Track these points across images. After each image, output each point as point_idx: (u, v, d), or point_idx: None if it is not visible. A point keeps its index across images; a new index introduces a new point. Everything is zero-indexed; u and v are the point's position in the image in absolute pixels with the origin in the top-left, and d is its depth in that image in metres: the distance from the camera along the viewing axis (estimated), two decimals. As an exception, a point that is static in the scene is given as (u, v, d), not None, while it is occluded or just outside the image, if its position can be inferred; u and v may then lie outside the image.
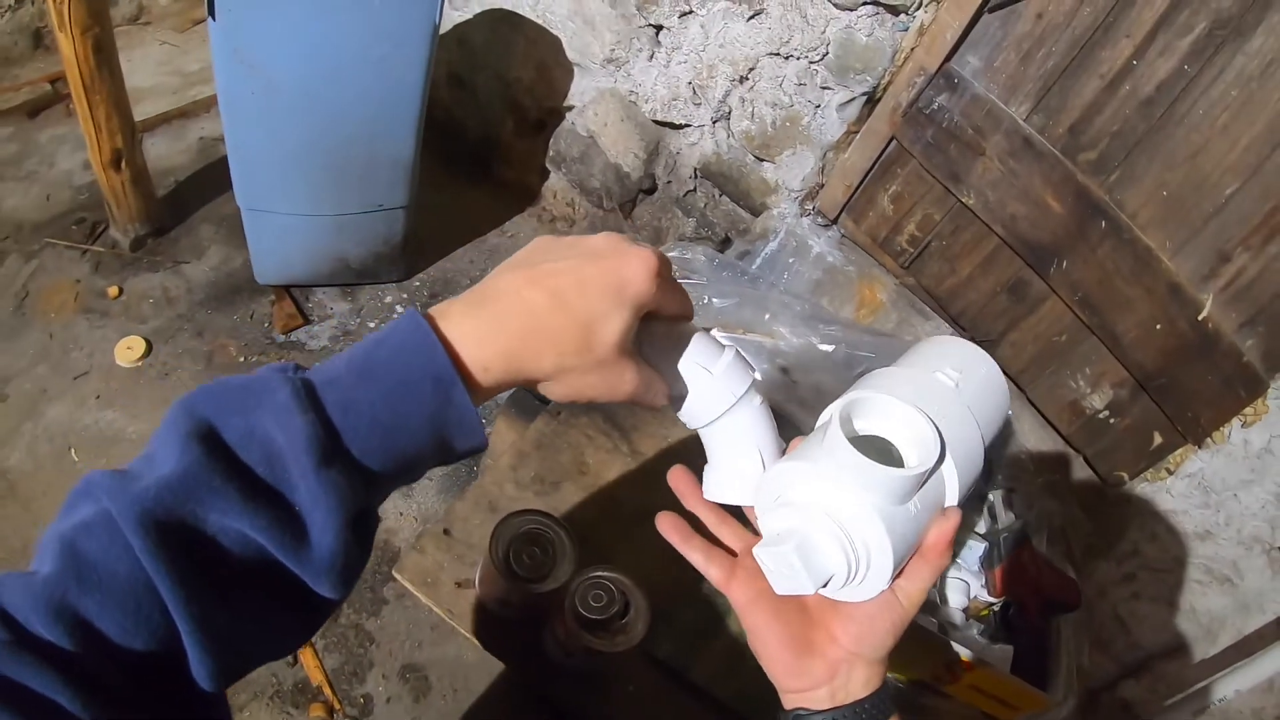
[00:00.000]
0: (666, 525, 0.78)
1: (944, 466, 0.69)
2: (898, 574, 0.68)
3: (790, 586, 0.67)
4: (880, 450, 0.70)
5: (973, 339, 1.93)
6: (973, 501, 1.69)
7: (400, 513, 2.48)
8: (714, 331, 0.89)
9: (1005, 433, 1.87)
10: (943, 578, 1.52)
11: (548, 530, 1.24)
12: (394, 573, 1.38)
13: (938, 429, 0.68)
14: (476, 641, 1.32)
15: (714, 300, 1.84)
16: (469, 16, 3.10)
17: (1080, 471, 1.89)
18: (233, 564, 0.53)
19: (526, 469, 1.53)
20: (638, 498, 1.53)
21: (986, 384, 0.79)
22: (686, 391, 0.73)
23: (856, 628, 0.70)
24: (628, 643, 1.16)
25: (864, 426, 0.73)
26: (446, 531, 1.42)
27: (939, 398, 0.73)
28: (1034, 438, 1.89)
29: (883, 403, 0.71)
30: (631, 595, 1.20)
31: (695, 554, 0.77)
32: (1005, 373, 1.87)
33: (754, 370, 0.78)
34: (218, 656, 0.52)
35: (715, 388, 0.74)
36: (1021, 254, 1.81)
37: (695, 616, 1.40)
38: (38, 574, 0.51)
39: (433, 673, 2.18)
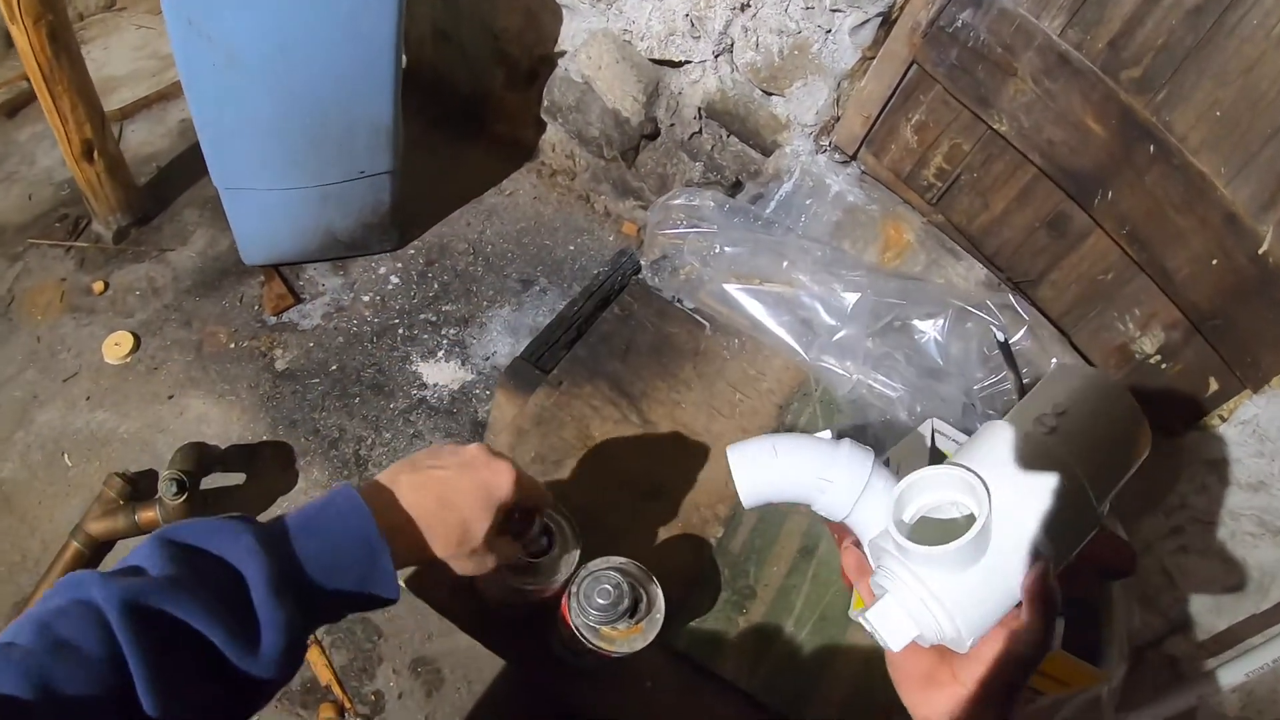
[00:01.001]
0: (850, 560, 0.90)
1: (1027, 524, 0.75)
2: (991, 626, 0.76)
3: (887, 646, 0.78)
4: (964, 516, 0.79)
5: (1009, 279, 1.86)
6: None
7: None
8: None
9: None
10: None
11: (548, 521, 1.17)
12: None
13: (986, 488, 0.75)
14: (481, 644, 1.29)
15: (726, 249, 1.78)
16: (448, -33, 3.02)
17: None
18: (188, 652, 0.67)
19: (526, 447, 1.47)
20: (649, 472, 1.47)
21: (1094, 415, 0.82)
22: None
23: (975, 668, 0.77)
24: (642, 642, 1.11)
25: (943, 497, 0.81)
26: None
27: (1017, 454, 0.79)
28: None
29: (930, 476, 0.79)
30: (643, 587, 1.14)
31: (863, 587, 0.86)
32: (1046, 316, 1.80)
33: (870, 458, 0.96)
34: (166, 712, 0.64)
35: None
36: (1061, 184, 1.70)
37: (716, 604, 1.35)
38: (13, 646, 0.62)
39: (445, 665, 2.17)
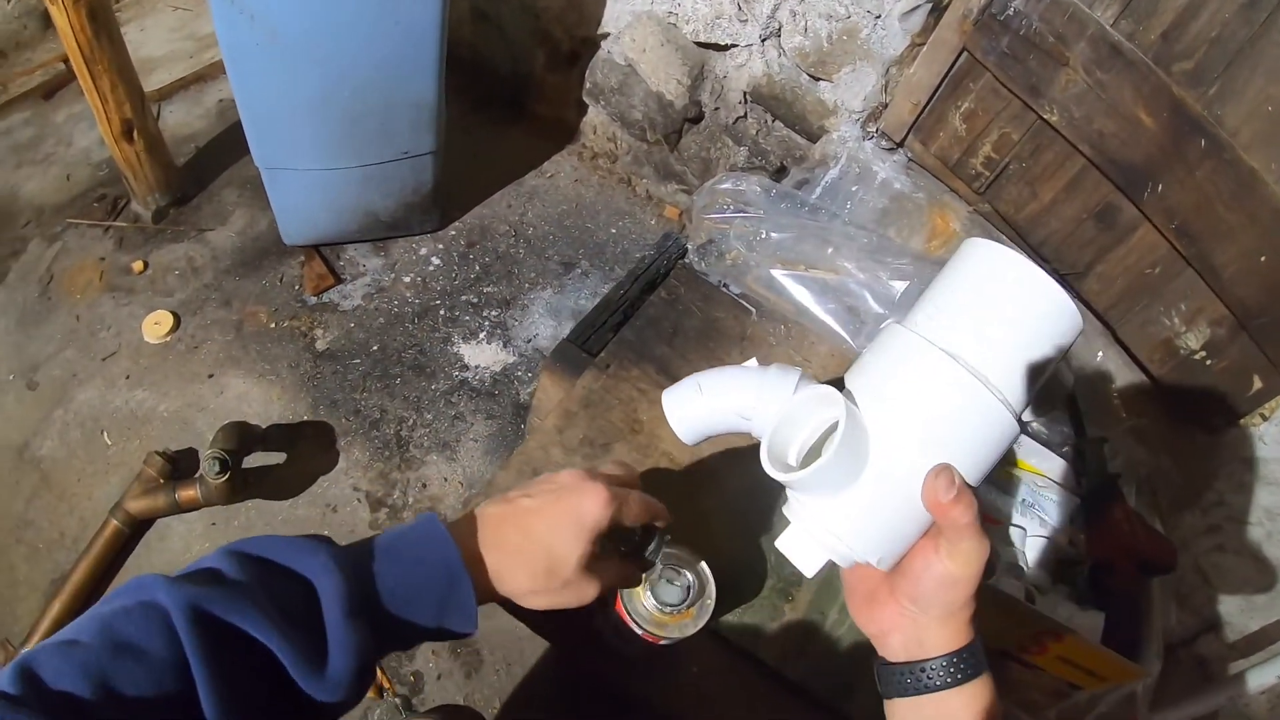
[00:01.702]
0: None
1: (899, 429, 0.72)
2: (905, 542, 0.75)
3: (803, 572, 0.78)
4: None
5: (1055, 271, 1.87)
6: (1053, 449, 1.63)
7: (445, 478, 2.49)
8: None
9: (1093, 376, 1.83)
10: (1024, 537, 1.45)
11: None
12: None
13: (851, 399, 0.75)
14: (528, 626, 1.29)
15: (772, 234, 1.80)
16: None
17: (1170, 416, 1.80)
18: (252, 665, 0.67)
19: (574, 430, 1.49)
20: (696, 457, 1.48)
21: (985, 301, 0.74)
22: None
23: (906, 585, 0.76)
24: (692, 628, 1.12)
25: (824, 419, 0.79)
26: None
27: (890, 354, 0.77)
28: (1121, 379, 1.82)
29: (796, 405, 0.80)
30: (698, 575, 1.16)
31: None
32: (1092, 309, 1.82)
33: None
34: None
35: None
36: (1111, 176, 1.72)
37: (762, 590, 1.37)
38: (76, 643, 0.63)
39: (485, 647, 2.20)
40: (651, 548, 1.07)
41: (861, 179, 2.08)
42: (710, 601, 1.13)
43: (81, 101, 3.28)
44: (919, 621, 0.77)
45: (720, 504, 1.42)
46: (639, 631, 1.11)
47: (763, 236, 1.79)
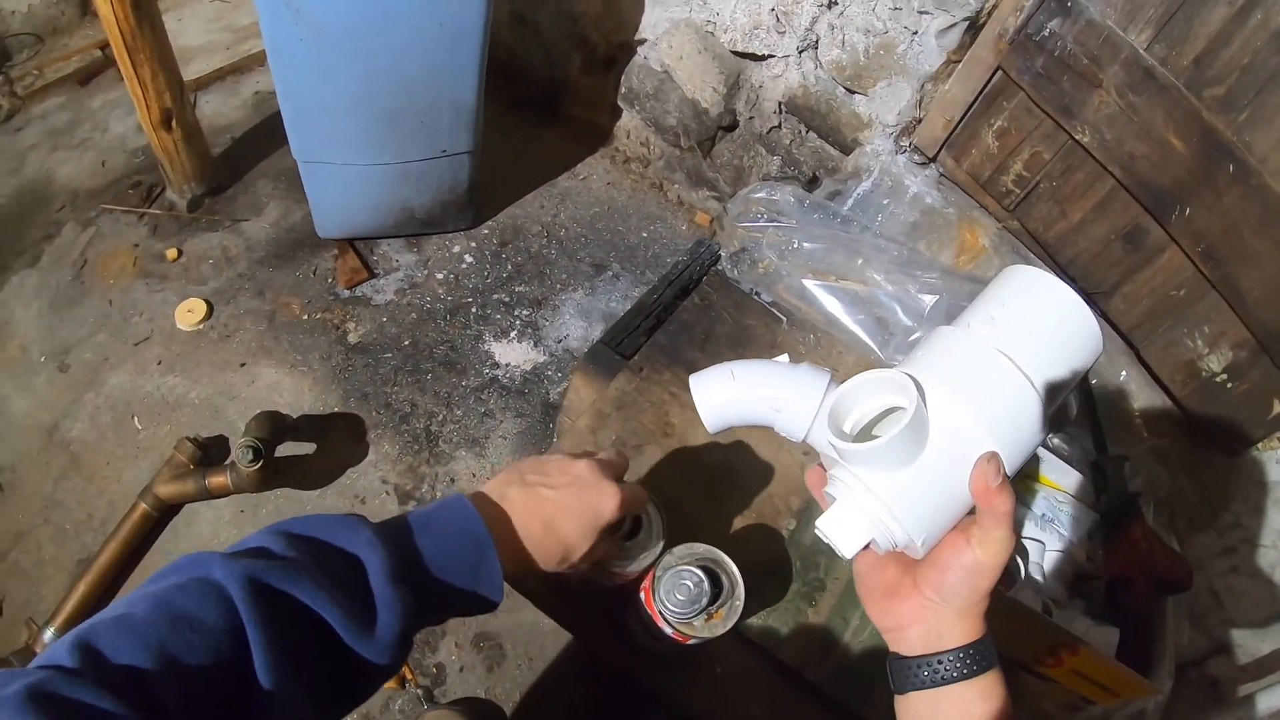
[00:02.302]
0: (812, 478, 0.92)
1: (963, 416, 0.76)
2: (944, 528, 0.79)
3: (840, 552, 0.80)
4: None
5: (1082, 290, 1.89)
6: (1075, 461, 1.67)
7: (473, 474, 2.52)
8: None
9: (1115, 395, 1.86)
10: (1043, 551, 1.51)
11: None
12: None
13: (918, 384, 0.77)
14: (555, 621, 1.34)
15: (804, 244, 1.83)
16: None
17: (1189, 437, 1.83)
18: (305, 632, 0.72)
19: (606, 431, 1.52)
20: (725, 461, 1.51)
21: (1032, 310, 0.81)
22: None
23: (933, 574, 0.79)
24: (721, 629, 1.14)
25: (879, 403, 0.82)
26: None
27: (952, 351, 0.82)
28: (1143, 398, 1.86)
29: (861, 382, 0.81)
30: (727, 575, 1.17)
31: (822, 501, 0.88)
32: (1116, 328, 1.85)
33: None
34: (280, 685, 0.69)
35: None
36: (1139, 198, 1.76)
37: (787, 593, 1.40)
38: (132, 617, 0.67)
39: (507, 641, 2.23)
40: (641, 535, 1.16)
41: (893, 192, 2.11)
42: (739, 603, 1.15)
43: (118, 88, 3.35)
44: (940, 613, 0.79)
45: (747, 508, 1.45)
46: (669, 631, 1.13)
47: (795, 246, 1.82)
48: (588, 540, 0.92)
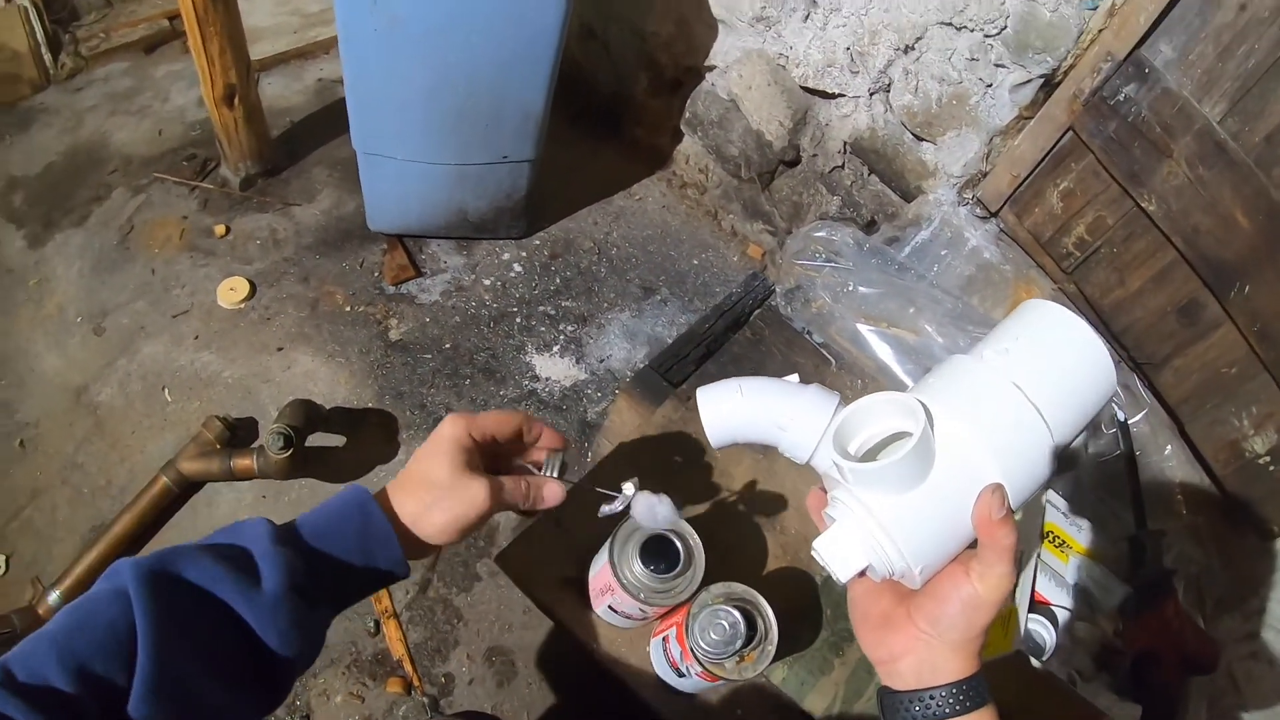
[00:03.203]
0: (813, 500, 0.92)
1: (970, 445, 0.77)
2: (943, 559, 0.79)
3: (836, 576, 0.82)
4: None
5: (1133, 360, 1.92)
6: (1100, 530, 1.70)
7: None
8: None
9: (1156, 469, 1.86)
10: (1069, 618, 1.52)
11: (672, 538, 1.24)
12: (495, 562, 1.40)
13: (927, 410, 0.78)
14: (586, 647, 1.35)
15: (859, 288, 1.86)
16: (605, -35, 3.14)
17: (1225, 517, 1.85)
18: (200, 617, 0.77)
19: (649, 456, 1.54)
20: (764, 499, 1.53)
21: (1049, 345, 0.82)
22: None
23: (930, 607, 0.79)
24: (751, 672, 1.16)
25: (886, 426, 0.83)
26: (558, 522, 1.43)
27: (963, 379, 0.82)
28: (1182, 474, 1.87)
29: (870, 403, 0.82)
30: (762, 618, 1.20)
31: (823, 526, 0.88)
32: (1163, 402, 1.87)
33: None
34: (158, 689, 0.72)
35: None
36: (1200, 272, 1.77)
37: (815, 643, 1.40)
38: (46, 630, 0.73)
39: (520, 658, 2.24)
40: (680, 570, 1.20)
41: (952, 244, 2.15)
42: (771, 648, 1.17)
43: (182, 60, 3.46)
44: (933, 646, 0.79)
45: (783, 550, 1.47)
46: (697, 669, 1.16)
47: (850, 289, 1.86)
48: (441, 459, 0.94)
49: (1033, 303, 0.86)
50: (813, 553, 0.84)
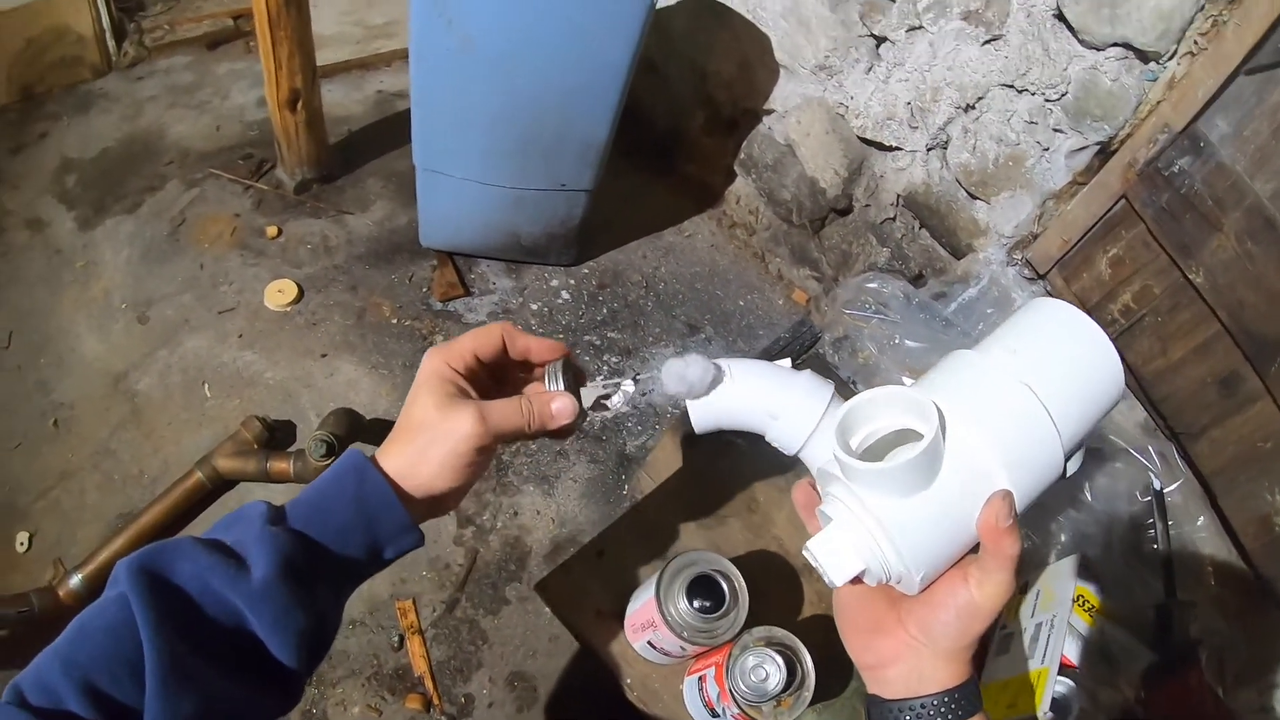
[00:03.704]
0: (800, 495, 0.89)
1: (979, 447, 0.74)
2: (944, 565, 0.77)
3: (829, 579, 0.79)
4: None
5: (1170, 429, 1.95)
6: (1121, 587, 1.73)
7: (538, 510, 2.58)
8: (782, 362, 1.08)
9: (1187, 539, 1.89)
10: (1093, 682, 1.51)
11: (719, 579, 1.26)
12: (535, 590, 1.43)
13: (939, 410, 0.75)
14: (618, 681, 1.37)
15: (906, 341, 1.89)
16: (671, 2, 3.23)
17: (1251, 591, 1.86)
18: (197, 612, 0.73)
19: (692, 495, 1.56)
20: (803, 544, 1.52)
21: (1058, 345, 0.81)
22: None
23: (923, 613, 0.78)
24: (787, 717, 1.18)
25: (892, 422, 0.79)
26: (600, 554, 1.45)
27: (972, 377, 0.80)
28: (1212, 546, 1.89)
29: (876, 396, 0.78)
30: (802, 665, 1.21)
31: (812, 524, 0.88)
32: (1197, 472, 1.90)
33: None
34: (168, 688, 0.68)
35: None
36: (1242, 345, 1.80)
37: (844, 692, 1.42)
38: (53, 644, 0.71)
39: (542, 686, 2.27)
40: (725, 610, 1.21)
41: (998, 303, 2.17)
42: (808, 695, 1.19)
43: (244, 60, 3.58)
44: (923, 654, 0.78)
45: (819, 597, 1.50)
46: (734, 711, 1.18)
47: (896, 342, 1.88)
48: (423, 396, 0.87)
49: (1042, 300, 0.85)
50: (804, 553, 0.81)
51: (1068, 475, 0.79)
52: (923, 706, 0.78)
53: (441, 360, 0.89)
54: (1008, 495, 0.73)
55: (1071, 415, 0.77)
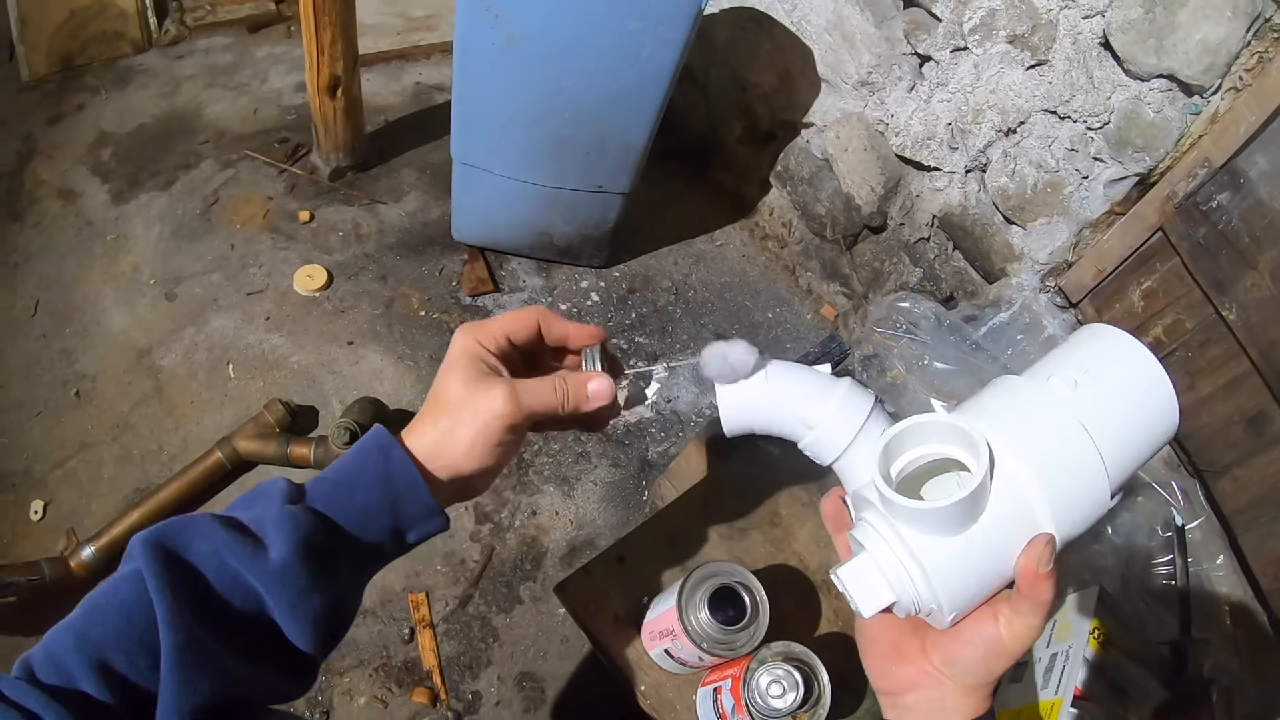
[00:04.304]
0: (829, 507, 0.88)
1: (1029, 488, 0.72)
2: (977, 604, 0.75)
3: (857, 609, 0.76)
4: (960, 477, 0.77)
5: (1193, 465, 1.96)
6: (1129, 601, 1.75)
7: (556, 511, 2.60)
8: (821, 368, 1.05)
9: (1205, 577, 1.90)
10: (1104, 716, 1.52)
11: (741, 591, 1.26)
12: (555, 591, 1.43)
13: (988, 445, 0.71)
14: (630, 688, 1.38)
15: (935, 363, 1.91)
16: (715, 11, 3.26)
17: (1263, 631, 1.87)
18: (212, 592, 0.72)
19: (716, 506, 1.58)
20: (825, 561, 1.56)
21: (1120, 385, 0.76)
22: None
23: (948, 646, 0.77)
24: None
25: (933, 450, 0.77)
26: (621, 559, 1.46)
27: (1027, 410, 0.76)
28: (1229, 585, 1.90)
29: (925, 424, 0.76)
30: (819, 681, 1.22)
31: (840, 542, 0.86)
32: (1219, 510, 1.92)
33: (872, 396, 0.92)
34: (182, 665, 0.68)
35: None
36: (1271, 385, 1.81)
37: (858, 711, 1.42)
38: (65, 620, 0.70)
39: (550, 687, 2.29)
40: (746, 622, 1.21)
41: (1029, 329, 2.18)
42: (823, 713, 1.20)
43: (284, 44, 3.64)
44: (945, 686, 0.78)
45: (835, 615, 1.51)
46: None
47: (924, 363, 1.90)
48: (452, 374, 0.85)
49: (1101, 328, 0.81)
50: (832, 577, 0.79)
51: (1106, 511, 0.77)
52: None
53: (472, 338, 0.86)
54: (1050, 541, 0.72)
55: (1123, 461, 0.75)
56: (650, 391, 0.99)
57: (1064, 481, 0.72)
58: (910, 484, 0.77)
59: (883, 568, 0.75)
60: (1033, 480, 0.72)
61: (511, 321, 0.90)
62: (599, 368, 0.92)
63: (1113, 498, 0.75)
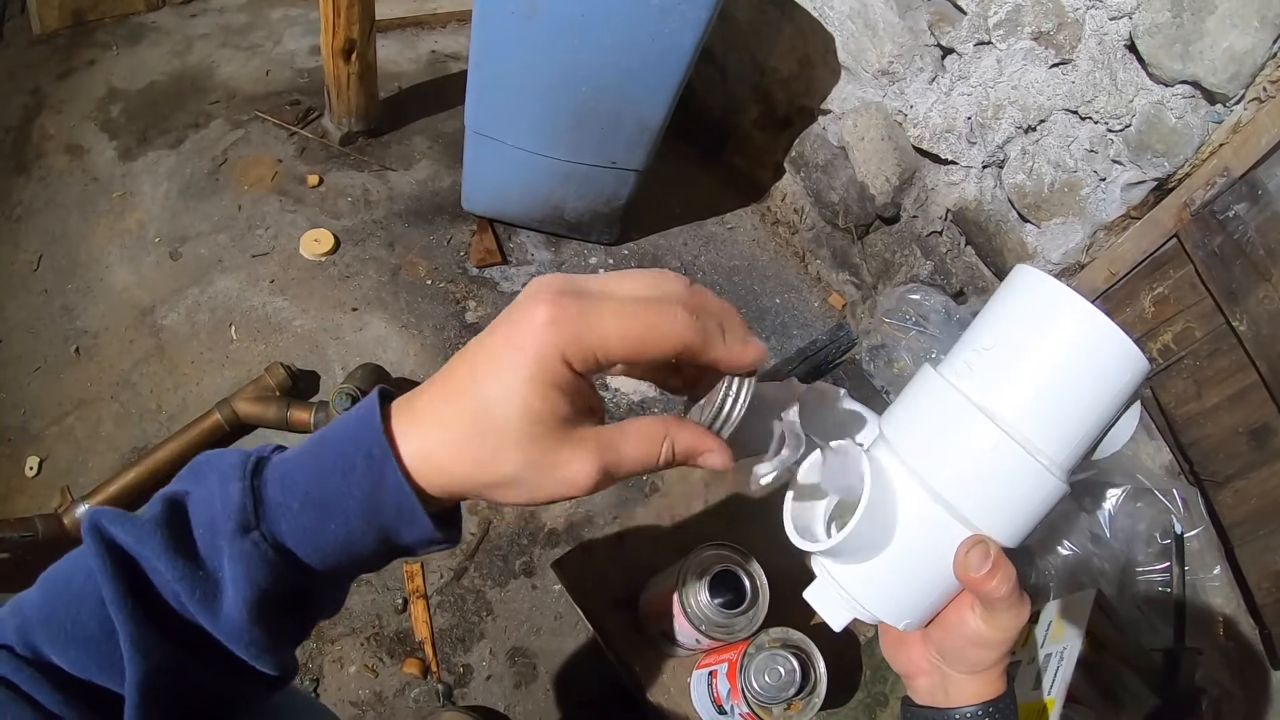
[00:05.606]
0: None
1: (927, 495, 0.70)
2: (938, 607, 0.78)
3: (829, 625, 0.81)
4: None
5: (1195, 474, 1.98)
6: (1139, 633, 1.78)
7: None
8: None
9: (1201, 588, 1.93)
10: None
11: (742, 575, 1.29)
12: (552, 567, 1.46)
13: (867, 464, 0.70)
14: (630, 674, 1.39)
15: (942, 357, 1.90)
16: (738, -7, 3.24)
17: (1255, 644, 1.91)
18: (176, 618, 0.61)
19: (718, 490, 1.60)
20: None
21: (1032, 348, 0.69)
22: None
23: (940, 637, 0.80)
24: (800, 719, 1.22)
25: (842, 485, 0.74)
26: (620, 538, 1.49)
27: (925, 406, 0.74)
28: (1224, 597, 1.93)
29: (809, 474, 0.76)
30: (815, 669, 1.25)
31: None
32: (1217, 520, 1.95)
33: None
34: (147, 669, 0.59)
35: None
36: (1278, 398, 1.83)
37: (850, 702, 1.46)
38: (23, 602, 0.65)
39: (542, 664, 2.30)
40: (746, 607, 1.21)
41: None
42: (818, 701, 1.23)
43: (299, 6, 3.64)
44: (943, 673, 0.81)
45: None
46: (743, 709, 1.22)
47: (933, 356, 1.92)
48: (517, 389, 0.57)
49: (1018, 273, 0.73)
50: (805, 596, 0.83)
51: (1125, 443, 0.73)
52: (953, 717, 0.80)
53: (560, 352, 0.57)
54: (978, 543, 0.69)
55: (1060, 433, 0.68)
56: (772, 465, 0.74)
57: (972, 476, 0.69)
58: (849, 506, 0.72)
59: (834, 589, 0.79)
60: (930, 486, 0.71)
61: (637, 338, 0.59)
62: (739, 410, 0.66)
63: (1072, 474, 0.70)
